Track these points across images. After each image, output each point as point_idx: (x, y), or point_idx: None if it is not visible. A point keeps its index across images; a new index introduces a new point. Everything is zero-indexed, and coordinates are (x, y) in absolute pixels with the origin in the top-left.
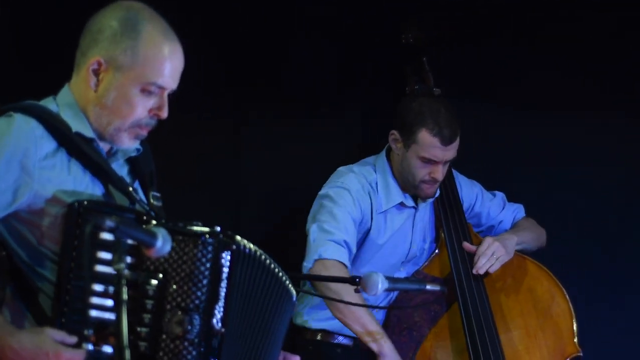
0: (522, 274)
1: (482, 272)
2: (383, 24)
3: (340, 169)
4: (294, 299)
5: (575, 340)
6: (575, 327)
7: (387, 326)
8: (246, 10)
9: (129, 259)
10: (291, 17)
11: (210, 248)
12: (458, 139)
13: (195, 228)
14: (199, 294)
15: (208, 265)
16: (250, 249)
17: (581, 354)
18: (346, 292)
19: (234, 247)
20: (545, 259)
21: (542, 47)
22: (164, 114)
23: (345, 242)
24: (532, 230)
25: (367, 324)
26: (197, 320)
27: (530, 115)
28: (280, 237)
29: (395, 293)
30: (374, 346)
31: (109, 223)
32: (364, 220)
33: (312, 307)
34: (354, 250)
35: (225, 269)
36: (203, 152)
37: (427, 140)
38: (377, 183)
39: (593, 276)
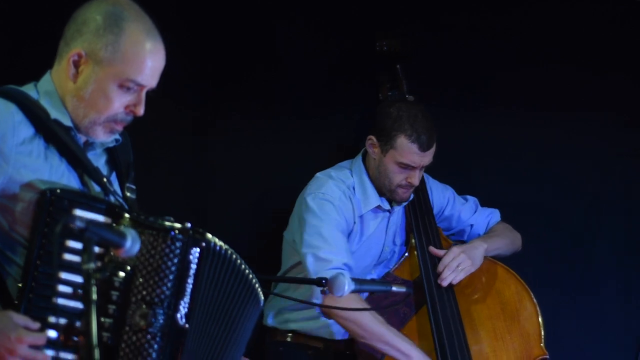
0: (491, 277)
1: (445, 284)
2: (357, 31)
3: (318, 175)
4: (261, 304)
5: (542, 343)
6: (542, 330)
7: None
8: (230, 9)
9: (97, 249)
10: (273, 18)
11: (179, 244)
12: (435, 145)
13: (166, 223)
14: (164, 288)
15: (176, 260)
16: (220, 247)
17: (547, 357)
18: (361, 315)
19: (204, 244)
20: (513, 262)
21: (514, 48)
22: (140, 111)
23: (345, 265)
24: (505, 235)
25: (390, 341)
26: (161, 314)
27: (502, 118)
28: (257, 238)
29: (363, 296)
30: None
31: (79, 223)
32: (349, 226)
33: (283, 308)
34: (353, 265)
35: (193, 266)
36: (182, 151)
37: (405, 146)
38: (354, 187)
39: (560, 279)
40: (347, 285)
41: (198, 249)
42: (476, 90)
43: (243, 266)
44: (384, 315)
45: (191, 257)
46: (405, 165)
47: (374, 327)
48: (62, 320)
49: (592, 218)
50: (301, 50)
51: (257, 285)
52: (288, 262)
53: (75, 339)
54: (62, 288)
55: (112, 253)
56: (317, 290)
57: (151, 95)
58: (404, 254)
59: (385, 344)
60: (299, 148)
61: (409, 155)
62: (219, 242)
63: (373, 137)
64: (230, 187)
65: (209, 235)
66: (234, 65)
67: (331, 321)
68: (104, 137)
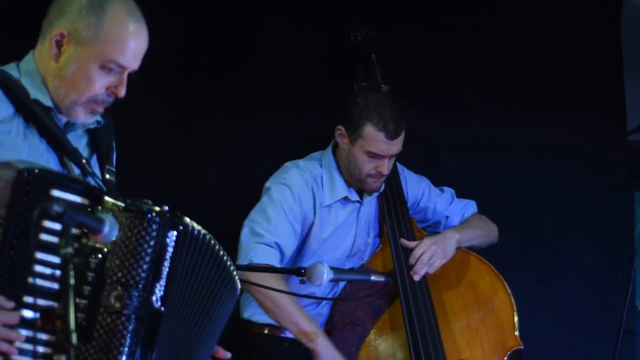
0: (465, 268)
1: (417, 278)
2: (332, 21)
3: (287, 164)
4: (238, 291)
5: (517, 333)
6: (516, 321)
7: (331, 321)
8: (198, 5)
9: (73, 230)
10: (239, 16)
11: (155, 226)
12: (403, 133)
13: (144, 206)
14: (140, 271)
15: (152, 243)
16: (198, 231)
17: (522, 347)
18: (292, 300)
19: (181, 227)
20: (488, 253)
21: (488, 42)
22: (122, 92)
23: (276, 244)
24: (480, 226)
25: (299, 323)
26: (136, 296)
27: (478, 112)
28: (226, 233)
29: (340, 287)
30: (309, 345)
31: (57, 208)
32: (307, 215)
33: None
34: (288, 250)
35: (170, 249)
36: (151, 148)
37: (373, 135)
38: (322, 178)
39: (536, 270)
40: (326, 274)
41: (175, 232)
42: (452, 84)
43: (221, 252)
44: (358, 309)
45: (168, 240)
46: (373, 154)
47: (287, 306)
48: (38, 301)
49: (566, 208)
50: (277, 44)
51: (234, 272)
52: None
53: (50, 322)
54: (38, 268)
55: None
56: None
57: (133, 78)
58: (377, 245)
59: (294, 325)
60: (275, 140)
61: (377, 143)
62: (197, 227)
63: (342, 127)
64: (208, 180)
65: (187, 219)
66: (211, 58)
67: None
68: (85, 118)
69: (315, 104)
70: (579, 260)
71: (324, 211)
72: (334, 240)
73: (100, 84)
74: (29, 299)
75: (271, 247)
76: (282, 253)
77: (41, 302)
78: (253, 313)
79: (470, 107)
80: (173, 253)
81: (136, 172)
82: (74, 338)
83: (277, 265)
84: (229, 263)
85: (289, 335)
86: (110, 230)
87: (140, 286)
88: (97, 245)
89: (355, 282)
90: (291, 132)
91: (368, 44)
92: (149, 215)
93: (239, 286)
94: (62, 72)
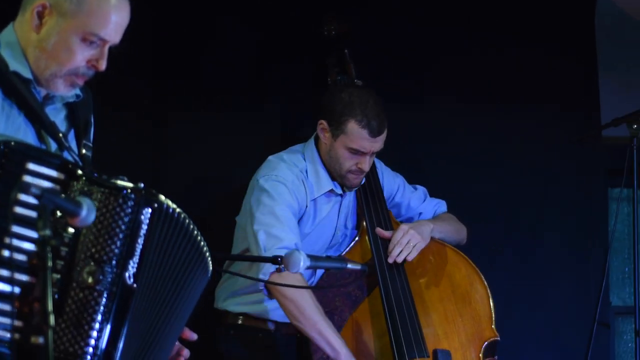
0: (442, 260)
1: (395, 260)
2: (306, 16)
3: (270, 158)
4: (209, 273)
5: (493, 325)
6: (493, 313)
7: None
8: (166, 1)
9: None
10: (212, 8)
11: (130, 203)
12: (386, 131)
13: (119, 182)
14: (113, 247)
15: (126, 219)
16: (173, 209)
17: (498, 338)
18: (301, 296)
19: (156, 205)
20: (464, 248)
21: (461, 35)
22: (102, 66)
23: (296, 245)
24: (451, 223)
25: (323, 332)
26: (109, 272)
27: (453, 108)
28: (208, 223)
29: (317, 278)
30: (332, 355)
31: (34, 190)
32: (300, 210)
33: (234, 291)
34: (302, 247)
35: (144, 226)
36: (122, 146)
37: (356, 132)
38: (307, 171)
39: (512, 263)
40: (303, 262)
41: (150, 209)
42: (426, 77)
43: (195, 231)
44: (336, 299)
45: (142, 217)
46: (355, 150)
47: (312, 314)
48: (14, 275)
49: (541, 203)
50: (249, 37)
51: (207, 253)
52: (240, 247)
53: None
54: (13, 242)
55: None
56: (265, 268)
57: (113, 51)
58: (355, 237)
59: (318, 334)
60: (249, 133)
61: (360, 140)
62: (172, 205)
63: (324, 122)
64: (183, 173)
65: (162, 197)
66: (182, 51)
67: None
68: (65, 91)
69: (288, 97)
70: (554, 254)
71: (310, 205)
72: (316, 232)
73: (81, 57)
74: (3, 272)
75: (292, 249)
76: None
77: (17, 276)
78: (228, 303)
79: (445, 101)
80: (147, 230)
81: (108, 168)
82: (52, 320)
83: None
84: (202, 243)
85: (264, 326)
86: (88, 213)
87: (113, 262)
88: None
89: (332, 270)
90: (263, 125)
91: (341, 38)
92: (124, 192)
93: (211, 267)
94: (43, 44)
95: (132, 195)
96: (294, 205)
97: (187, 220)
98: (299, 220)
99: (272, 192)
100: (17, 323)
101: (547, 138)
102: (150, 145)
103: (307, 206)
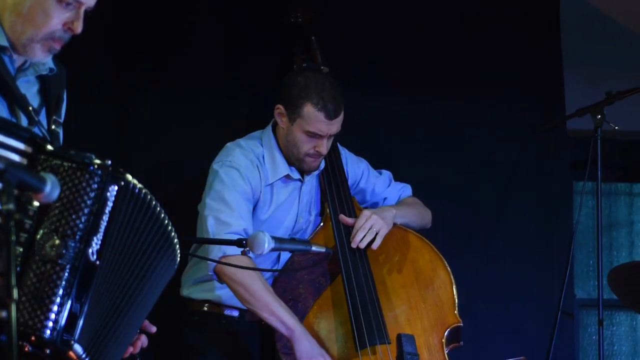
0: (405, 246)
1: (358, 245)
2: (272, 3)
3: (228, 145)
4: (177, 261)
5: (456, 311)
6: (455, 298)
7: None
8: None
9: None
10: None
11: (97, 179)
12: (342, 114)
13: (86, 158)
14: (78, 222)
15: (92, 195)
16: (140, 189)
17: (461, 324)
18: (250, 278)
19: (122, 183)
20: (429, 233)
21: (428, 21)
22: (78, 29)
23: (244, 230)
24: (415, 207)
25: (276, 311)
26: (72, 246)
27: (417, 92)
28: (170, 212)
29: (282, 264)
30: (287, 333)
31: None
32: (254, 195)
33: (198, 278)
34: (252, 232)
35: (110, 203)
36: (86, 135)
37: (312, 115)
38: (263, 156)
39: (476, 249)
40: (267, 243)
41: (116, 187)
42: (391, 63)
43: (162, 214)
44: (300, 286)
45: (108, 194)
46: (312, 133)
47: (262, 295)
48: None
49: (506, 192)
50: (215, 24)
51: (175, 239)
52: (201, 235)
53: None
54: None
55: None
56: (213, 252)
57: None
58: (319, 223)
59: (271, 314)
60: (215, 122)
61: (316, 123)
62: (139, 185)
63: (281, 106)
64: (147, 163)
65: (129, 176)
66: (138, 46)
67: None
68: (42, 56)
69: (254, 85)
70: (518, 245)
71: (266, 190)
72: (276, 218)
73: (57, 20)
74: None
75: (240, 235)
76: None
77: None
78: (193, 290)
79: (410, 88)
80: (112, 207)
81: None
82: (15, 293)
83: (250, 255)
84: (170, 227)
85: (229, 312)
86: (52, 189)
87: (77, 237)
88: None
89: (296, 253)
90: (229, 114)
91: (308, 25)
92: (91, 167)
93: (178, 253)
94: (19, 8)
95: (99, 171)
96: (246, 190)
97: (154, 202)
98: (255, 206)
99: (224, 178)
100: None
101: (512, 129)
102: (115, 134)
103: (261, 192)
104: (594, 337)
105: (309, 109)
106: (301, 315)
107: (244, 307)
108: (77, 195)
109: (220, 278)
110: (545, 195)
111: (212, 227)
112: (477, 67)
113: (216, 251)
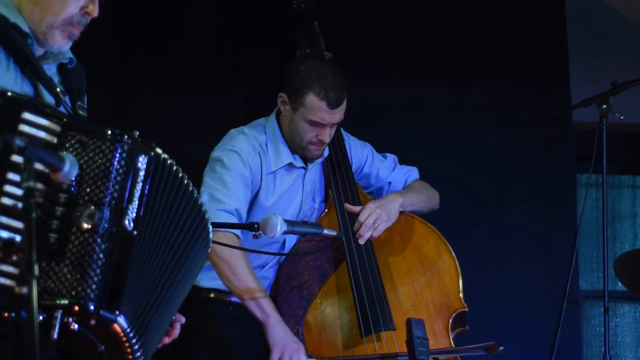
0: (410, 231)
1: (362, 242)
2: None
3: (232, 131)
4: (210, 245)
5: (461, 295)
6: (460, 283)
7: (277, 284)
8: None
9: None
10: None
11: (126, 147)
12: (345, 102)
13: (114, 130)
14: (111, 190)
15: (123, 163)
16: (170, 163)
17: (466, 309)
18: (235, 258)
19: (152, 154)
20: (433, 219)
21: (432, 10)
22: (95, 11)
23: (236, 210)
24: (422, 192)
25: (255, 295)
26: (108, 215)
27: (422, 82)
28: None
29: (288, 248)
30: (260, 317)
31: (19, 142)
32: (254, 181)
33: (206, 267)
34: (244, 215)
35: (141, 173)
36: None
37: (314, 104)
38: (266, 144)
39: (479, 242)
40: (280, 226)
41: (146, 157)
42: (397, 50)
43: (195, 193)
44: (305, 273)
45: (139, 164)
46: (315, 122)
47: (245, 276)
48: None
49: (512, 181)
50: (218, 11)
51: (206, 214)
52: None
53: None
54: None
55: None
56: None
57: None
58: (323, 210)
59: (250, 297)
60: (216, 111)
61: (318, 112)
62: (170, 159)
63: (284, 95)
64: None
65: (159, 149)
66: (139, 36)
67: None
68: (62, 43)
69: (256, 74)
70: (523, 235)
71: (269, 178)
72: (279, 207)
73: (74, 5)
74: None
75: (232, 214)
76: (240, 219)
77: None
78: (200, 278)
79: (414, 78)
80: (144, 177)
81: None
82: (36, 270)
83: (237, 232)
84: (203, 208)
85: (235, 299)
86: (70, 168)
87: (112, 205)
88: None
89: (308, 235)
90: (230, 103)
91: (311, 11)
92: (119, 138)
93: (211, 235)
94: None
95: (129, 141)
96: (246, 174)
97: (186, 178)
98: (258, 194)
99: (225, 161)
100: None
101: (518, 121)
102: (117, 125)
103: (262, 179)
104: (597, 329)
105: (311, 98)
106: (306, 301)
107: None
108: (108, 165)
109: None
110: (549, 186)
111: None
112: (483, 58)
113: None
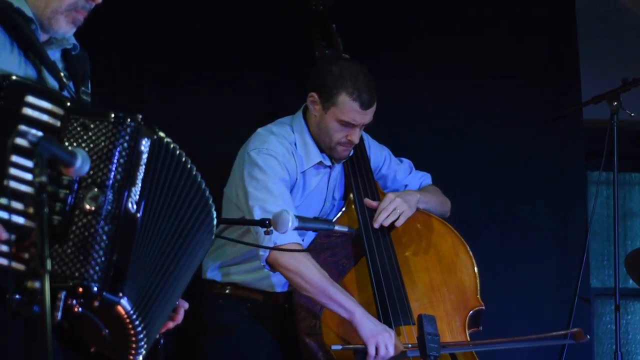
0: (428, 230)
1: (382, 225)
2: None
3: (260, 131)
4: (214, 231)
5: (478, 294)
6: (477, 282)
7: None
8: None
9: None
10: None
11: (129, 130)
12: (375, 104)
13: (118, 112)
14: (114, 172)
15: (126, 145)
16: (173, 146)
17: (483, 308)
18: (304, 265)
19: (155, 137)
20: (449, 219)
21: (443, 10)
22: None
23: None
24: (436, 195)
25: (333, 296)
26: (110, 196)
27: (436, 81)
28: None
29: (306, 244)
30: (346, 316)
31: (31, 138)
32: (292, 182)
33: (222, 262)
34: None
35: (144, 156)
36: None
37: (347, 104)
38: (296, 143)
39: (489, 243)
40: (291, 222)
41: (149, 140)
42: (410, 55)
43: (199, 177)
44: (324, 266)
45: (142, 147)
46: (346, 122)
47: (318, 281)
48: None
49: (522, 179)
50: (232, 12)
51: (210, 199)
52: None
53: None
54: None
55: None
56: (261, 237)
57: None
58: (342, 207)
59: (329, 299)
60: (233, 108)
61: (350, 113)
62: (173, 143)
63: (314, 94)
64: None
65: (162, 133)
66: (155, 33)
67: (272, 273)
68: (67, 28)
69: (271, 73)
70: (534, 233)
71: (300, 177)
72: (306, 204)
73: None
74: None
75: None
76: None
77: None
78: (216, 273)
79: (426, 77)
80: (147, 160)
81: None
82: (49, 264)
83: (299, 240)
84: (207, 191)
85: (253, 296)
86: (83, 163)
87: (115, 187)
88: (73, 145)
89: (319, 231)
90: (247, 100)
91: (328, 12)
92: (122, 121)
93: (215, 227)
94: None
95: (132, 123)
96: (285, 177)
97: (189, 163)
98: (290, 192)
99: (264, 166)
100: (16, 265)
101: (528, 119)
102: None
103: (297, 179)
104: (609, 326)
105: (344, 98)
106: None
107: (268, 290)
108: (111, 147)
109: (274, 268)
110: (560, 184)
111: (258, 216)
112: (493, 57)
113: (267, 241)
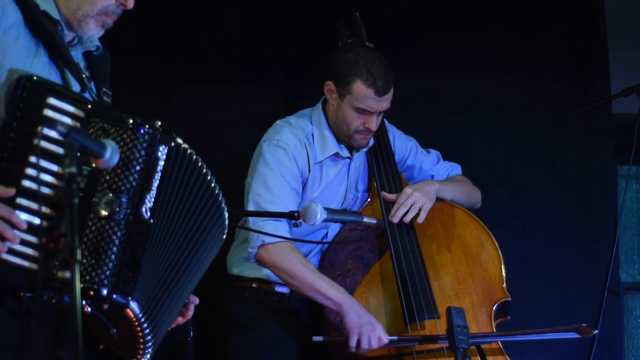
0: (452, 221)
1: (403, 221)
2: None
3: (278, 122)
4: (226, 228)
5: (504, 285)
6: (503, 273)
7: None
8: None
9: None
10: None
11: (147, 137)
12: (392, 90)
13: (137, 119)
14: (130, 179)
15: (143, 153)
16: (190, 152)
17: (509, 299)
18: (289, 262)
19: (173, 144)
20: (473, 210)
21: (475, 3)
22: (131, 4)
23: None
24: (462, 184)
25: (321, 289)
26: (125, 203)
27: (466, 74)
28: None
29: (331, 238)
30: (335, 309)
31: (61, 129)
32: (303, 174)
33: (247, 257)
34: None
35: (161, 162)
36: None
37: (362, 91)
38: (313, 135)
39: (519, 232)
40: (320, 214)
41: (166, 147)
42: (438, 47)
43: (213, 182)
44: (348, 261)
45: (159, 154)
46: (362, 110)
47: (304, 276)
48: (34, 205)
49: (551, 172)
50: (253, 4)
51: (224, 207)
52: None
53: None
54: (30, 171)
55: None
56: (252, 242)
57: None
58: (366, 199)
59: (316, 292)
60: (255, 102)
61: (366, 100)
62: (191, 149)
63: (330, 83)
64: (191, 143)
65: (179, 139)
66: (175, 28)
67: None
68: (96, 31)
69: (295, 64)
70: (563, 227)
71: (315, 168)
72: (325, 195)
73: None
74: (29, 204)
75: (279, 220)
76: (289, 222)
77: (39, 206)
78: (242, 269)
79: (454, 70)
80: (163, 167)
81: None
82: (79, 254)
83: (289, 236)
84: (220, 195)
85: (279, 289)
86: (112, 155)
87: (130, 193)
88: None
89: (348, 223)
90: (269, 94)
91: (352, 1)
92: (141, 127)
93: (227, 221)
94: None
95: (150, 130)
96: (292, 170)
97: (205, 168)
98: (305, 185)
99: (269, 159)
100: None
101: (559, 112)
102: (159, 118)
103: (309, 170)
104: (638, 321)
105: (358, 86)
106: (350, 290)
107: None
108: (129, 154)
109: (262, 265)
110: (589, 178)
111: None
112: (521, 50)
113: (255, 240)
